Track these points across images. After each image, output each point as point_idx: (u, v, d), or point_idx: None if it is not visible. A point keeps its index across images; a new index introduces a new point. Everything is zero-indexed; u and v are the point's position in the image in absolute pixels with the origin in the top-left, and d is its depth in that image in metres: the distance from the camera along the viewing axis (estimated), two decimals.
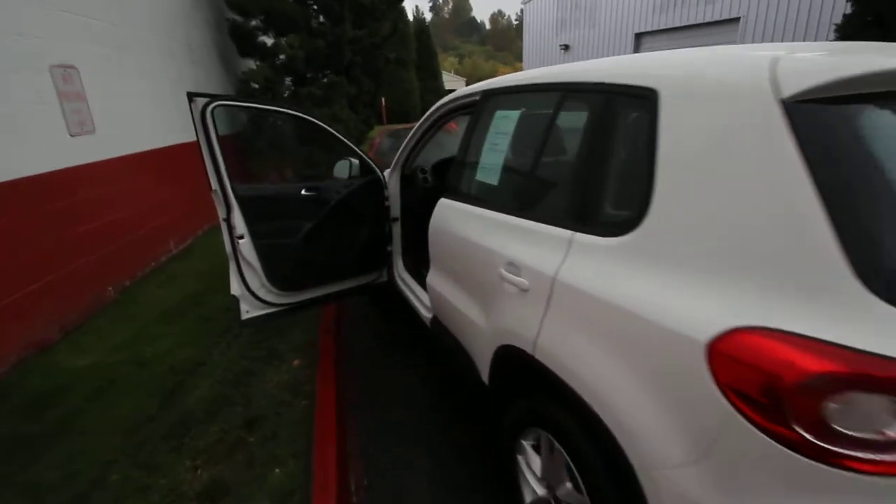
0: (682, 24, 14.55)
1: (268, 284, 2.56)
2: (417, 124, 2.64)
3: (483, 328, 1.68)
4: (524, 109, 1.67)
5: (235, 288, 2.51)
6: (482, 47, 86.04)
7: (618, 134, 1.24)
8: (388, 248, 3.02)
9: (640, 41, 16.13)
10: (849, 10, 7.34)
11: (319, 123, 2.58)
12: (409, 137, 2.74)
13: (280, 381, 2.55)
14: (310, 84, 6.41)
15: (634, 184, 1.14)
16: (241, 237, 2.39)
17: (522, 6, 21.09)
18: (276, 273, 2.57)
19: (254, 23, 6.31)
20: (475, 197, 1.85)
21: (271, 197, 2.55)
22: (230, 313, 3.15)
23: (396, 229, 3.02)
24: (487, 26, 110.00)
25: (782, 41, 12.13)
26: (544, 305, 1.30)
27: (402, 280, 3.01)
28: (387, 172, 2.91)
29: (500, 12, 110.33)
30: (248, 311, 2.59)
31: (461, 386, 2.48)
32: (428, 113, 2.52)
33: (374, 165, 2.84)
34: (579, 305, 1.18)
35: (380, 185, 2.87)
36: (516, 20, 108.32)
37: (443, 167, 3.17)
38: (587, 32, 17.95)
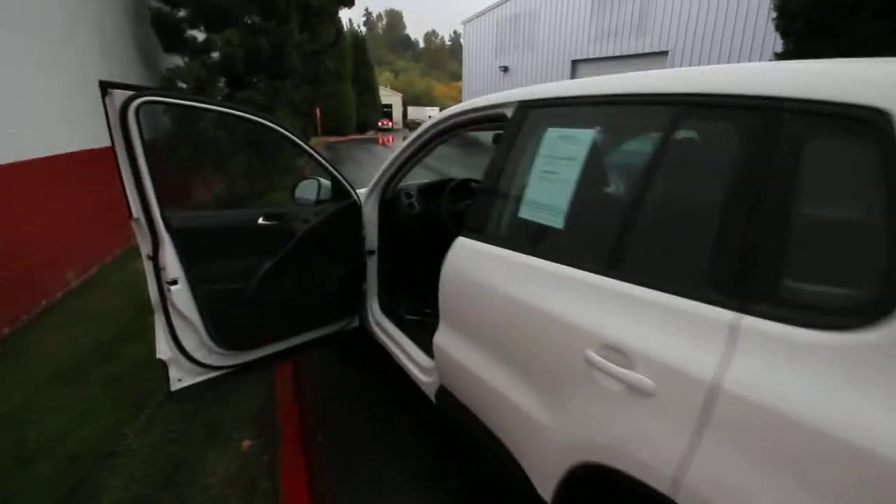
0: (616, 55, 15.28)
1: (210, 343, 1.92)
2: (406, 141, 2.15)
3: (546, 427, 1.21)
4: (601, 128, 1.25)
5: (164, 350, 1.85)
6: (417, 64, 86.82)
7: (809, 169, 0.84)
8: (363, 288, 2.48)
9: (576, 68, 16.74)
10: (779, 48, 7.88)
11: (288, 134, 2.01)
12: (393, 156, 2.24)
13: (226, 475, 1.90)
14: (248, 88, 5.65)
15: (866, 246, 0.75)
16: (174, 283, 1.75)
17: (462, 25, 21.25)
18: (223, 327, 1.94)
19: (181, 14, 5.48)
20: (522, 242, 1.39)
21: (217, 228, 1.92)
22: (153, 370, 2.43)
23: (372, 264, 2.48)
24: (421, 44, 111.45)
25: None
26: (694, 424, 0.86)
27: (379, 325, 2.47)
28: (361, 193, 2.38)
29: (434, 32, 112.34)
30: (182, 379, 1.93)
31: (495, 490, 1.89)
32: (424, 127, 2.04)
33: (350, 187, 2.30)
34: (788, 441, 0.75)
35: (357, 213, 2.33)
36: (450, 41, 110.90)
37: (431, 192, 2.68)
38: (526, 56, 18.38)
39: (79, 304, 3.49)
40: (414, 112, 44.69)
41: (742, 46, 11.88)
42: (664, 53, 13.95)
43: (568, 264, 1.19)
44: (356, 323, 2.54)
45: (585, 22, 15.93)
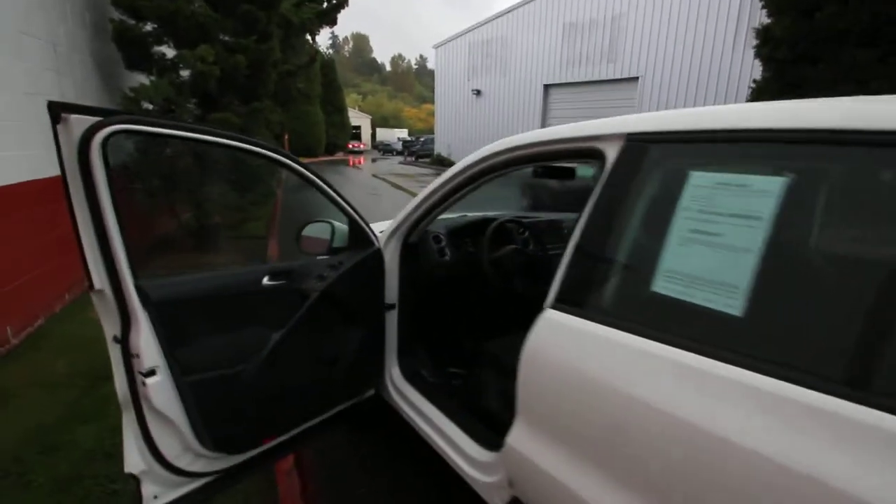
0: (588, 80, 15.52)
1: (196, 446, 1.45)
2: (443, 178, 1.78)
3: None
4: (798, 175, 0.90)
5: (134, 461, 1.36)
6: (383, 87, 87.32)
7: None
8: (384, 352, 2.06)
9: (548, 92, 16.92)
10: (755, 76, 8.02)
11: (302, 170, 1.60)
12: (424, 194, 1.85)
13: None
14: (223, 109, 5.15)
15: None
16: (151, 373, 1.29)
17: (434, 49, 21.30)
18: (215, 425, 1.47)
19: (148, 28, 4.96)
20: (661, 326, 1.01)
21: (209, 296, 1.46)
22: (115, 463, 1.91)
23: (391, 319, 2.07)
24: (388, 68, 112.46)
25: (675, 101, 13.33)
26: None
27: (401, 394, 2.04)
28: (379, 234, 1.98)
29: (400, 56, 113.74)
30: (158, 496, 1.44)
31: None
32: (469, 161, 1.67)
33: (370, 231, 1.90)
34: None
35: (380, 264, 1.92)
36: (416, 65, 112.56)
37: (464, 234, 2.30)
38: (499, 80, 18.49)
39: (17, 370, 2.87)
40: (383, 134, 44.58)
41: (710, 73, 12.23)
42: (635, 79, 14.25)
43: (763, 372, 0.82)
44: (371, 391, 2.11)
45: (557, 47, 16.18)
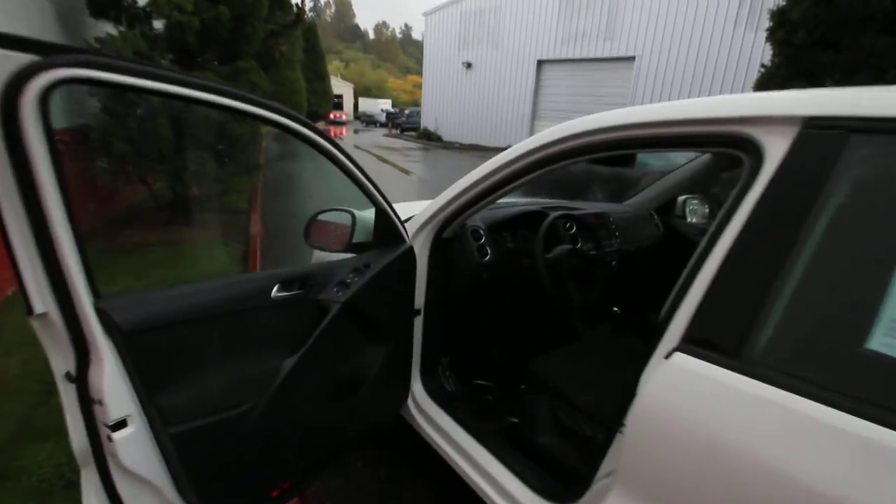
0: (583, 57, 15.08)
1: None
2: (494, 164, 1.42)
3: None
4: None
5: None
6: (367, 55, 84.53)
7: None
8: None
9: (541, 68, 16.42)
10: (757, 60, 7.76)
11: (321, 141, 1.22)
12: (468, 183, 1.50)
13: None
14: (202, 68, 4.59)
15: None
16: (122, 424, 0.93)
17: (424, 17, 20.40)
18: (208, 483, 1.12)
19: None
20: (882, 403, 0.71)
21: (201, 315, 1.08)
22: (73, 489, 1.56)
23: (416, 327, 1.73)
24: (371, 35, 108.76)
25: (672, 84, 13.05)
26: None
27: (425, 415, 1.74)
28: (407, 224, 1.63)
29: (384, 23, 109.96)
30: None
31: None
32: (535, 143, 1.32)
33: (401, 224, 1.54)
34: None
35: (412, 265, 1.57)
36: (400, 34, 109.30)
37: (508, 229, 1.95)
38: (490, 52, 17.86)
39: None
40: (366, 104, 43.27)
41: (711, 56, 11.94)
42: (631, 59, 13.89)
43: None
44: (396, 412, 1.79)
45: (552, 22, 15.62)
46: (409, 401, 1.79)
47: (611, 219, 2.11)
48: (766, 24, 6.74)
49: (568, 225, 1.93)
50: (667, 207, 2.43)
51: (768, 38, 6.70)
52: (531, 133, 16.88)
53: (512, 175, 1.42)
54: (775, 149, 0.90)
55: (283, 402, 1.22)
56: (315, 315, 1.29)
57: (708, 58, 12.09)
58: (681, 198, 2.41)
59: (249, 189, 6.35)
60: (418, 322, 1.74)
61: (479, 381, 2.07)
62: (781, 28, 6.39)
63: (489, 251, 1.76)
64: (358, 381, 1.46)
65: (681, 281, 1.04)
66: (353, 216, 1.54)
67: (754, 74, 7.25)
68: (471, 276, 1.74)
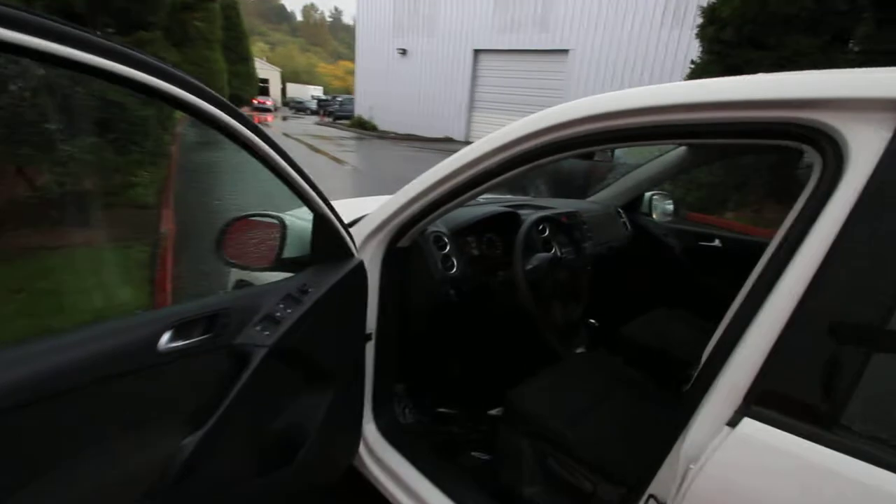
0: (519, 48, 15.10)
1: None
2: (463, 158, 1.12)
3: None
4: None
5: None
6: (294, 39, 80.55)
7: None
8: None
9: (478, 57, 16.27)
10: (689, 57, 8.03)
11: (240, 128, 0.85)
12: (430, 182, 1.18)
13: None
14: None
15: None
16: None
17: (356, 0, 19.53)
18: None
19: None
20: None
21: (44, 394, 0.67)
22: None
23: (367, 354, 1.41)
24: (299, 17, 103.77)
25: (605, 78, 13.39)
26: None
27: (378, 461, 1.44)
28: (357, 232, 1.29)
29: (313, 5, 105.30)
30: None
31: None
32: (519, 133, 1.03)
33: (347, 233, 1.20)
34: None
35: (363, 285, 1.24)
36: (330, 17, 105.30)
37: (475, 235, 1.64)
38: (425, 40, 17.45)
39: None
40: (295, 90, 41.21)
41: (639, 52, 12.31)
42: (565, 52, 14.08)
43: None
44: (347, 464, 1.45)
45: (488, 10, 15.48)
46: (361, 446, 1.46)
47: (583, 218, 1.89)
48: (697, 20, 6.95)
49: (541, 227, 1.67)
50: (633, 204, 2.26)
51: (698, 35, 6.91)
52: (469, 125, 16.71)
53: (486, 173, 1.12)
54: (865, 143, 0.67)
55: (186, 501, 0.85)
56: (230, 368, 0.92)
57: (639, 53, 12.48)
58: (648, 194, 2.24)
59: (159, 181, 5.58)
60: (369, 348, 1.41)
61: (441, 410, 1.78)
62: (712, 25, 6.59)
63: (455, 262, 1.46)
64: (295, 445, 1.11)
65: (731, 317, 0.79)
66: (283, 223, 1.17)
67: (686, 71, 7.48)
68: (434, 294, 1.43)
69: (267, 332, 0.96)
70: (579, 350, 1.69)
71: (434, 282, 1.40)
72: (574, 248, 1.72)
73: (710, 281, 2.02)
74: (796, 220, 0.73)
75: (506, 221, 1.71)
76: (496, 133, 1.07)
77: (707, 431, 0.73)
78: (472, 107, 16.85)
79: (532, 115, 1.03)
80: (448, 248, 1.46)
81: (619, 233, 2.11)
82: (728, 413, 0.72)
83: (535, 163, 1.06)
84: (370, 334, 1.39)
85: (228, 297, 0.94)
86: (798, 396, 0.65)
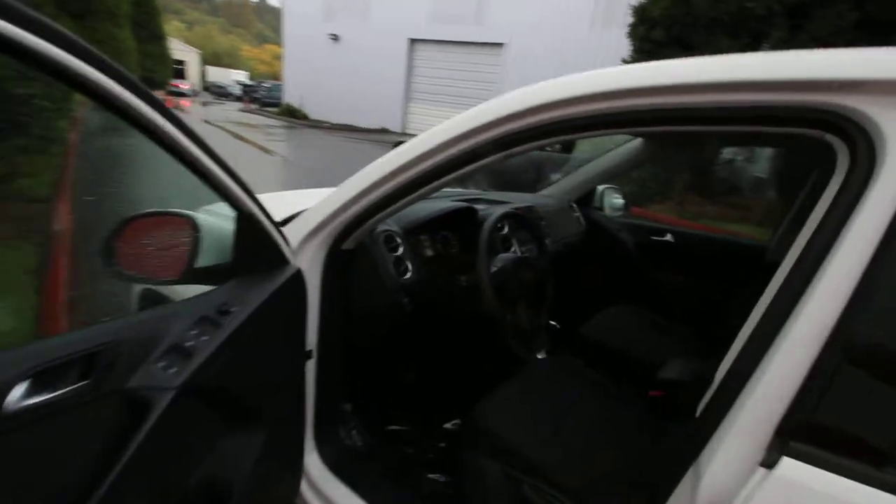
0: (455, 40, 14.98)
1: None
2: (417, 147, 0.95)
3: None
4: None
5: None
6: (215, 19, 75.28)
7: None
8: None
9: (414, 47, 15.97)
10: (626, 55, 8.28)
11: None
12: (381, 174, 1.00)
13: None
14: None
15: None
16: None
17: None
18: None
19: None
20: None
21: None
22: None
23: (307, 375, 1.20)
24: None
25: (537, 73, 13.60)
26: None
27: (324, 499, 1.25)
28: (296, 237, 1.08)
29: None
30: None
31: None
32: (481, 119, 0.88)
33: (281, 234, 0.98)
34: None
35: (301, 297, 1.03)
36: None
37: (425, 228, 1.46)
38: (359, 25, 16.85)
39: None
40: (217, 74, 38.53)
41: (570, 48, 12.62)
42: (500, 45, 14.16)
43: None
44: None
45: None
46: (303, 482, 1.26)
47: (539, 213, 1.78)
48: (628, 20, 7.17)
49: (499, 224, 1.53)
50: (585, 199, 2.19)
51: (629, 34, 7.12)
52: (405, 116, 16.42)
53: (448, 164, 0.96)
54: None
55: None
56: (122, 421, 0.69)
57: (571, 50, 12.78)
58: (600, 187, 2.18)
59: (53, 171, 4.86)
60: (310, 367, 1.20)
61: (393, 427, 1.60)
62: (642, 25, 6.82)
63: (409, 266, 1.28)
64: (219, 501, 0.88)
65: (748, 335, 0.68)
66: (195, 223, 0.93)
67: None
68: (386, 303, 1.24)
69: (174, 370, 0.73)
70: (541, 355, 1.58)
71: (386, 290, 1.21)
72: (536, 245, 1.60)
73: (664, 276, 2.00)
74: (821, 225, 0.63)
75: (461, 217, 1.55)
76: (459, 117, 0.91)
77: (734, 471, 0.61)
78: (408, 97, 16.55)
79: (499, 98, 0.88)
80: (401, 249, 1.27)
81: (573, 228, 2.02)
82: (758, 450, 0.61)
83: (505, 152, 0.91)
84: (310, 351, 1.18)
85: (116, 327, 0.70)
86: (850, 431, 0.55)
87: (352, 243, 1.16)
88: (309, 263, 1.10)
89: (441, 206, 1.50)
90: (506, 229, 1.53)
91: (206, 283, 0.92)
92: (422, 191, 1.01)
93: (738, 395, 0.65)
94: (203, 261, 0.93)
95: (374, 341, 1.34)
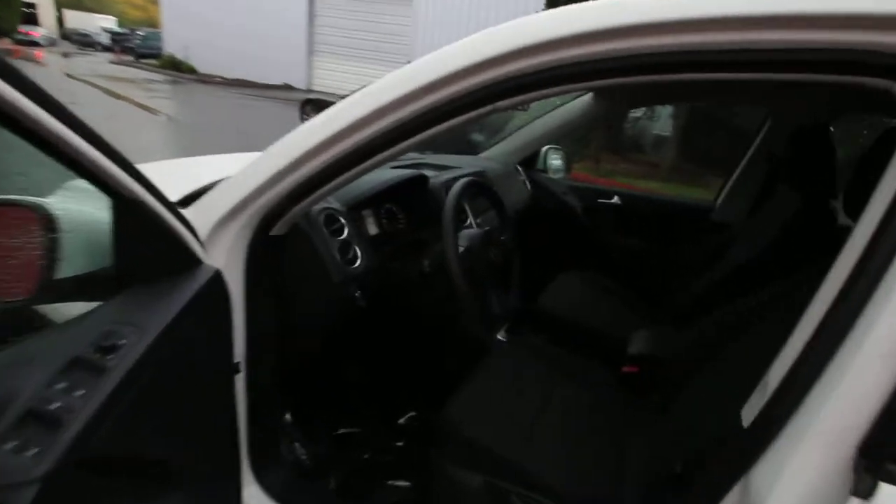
0: None
1: None
2: (367, 101, 0.73)
3: None
4: None
5: None
6: None
7: None
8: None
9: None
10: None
11: None
12: (321, 136, 0.76)
13: None
14: None
15: None
16: None
17: None
18: None
19: None
20: None
21: None
22: None
23: (236, 393, 0.95)
24: None
25: (451, 29, 13.17)
26: None
27: None
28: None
29: None
30: None
31: None
32: (459, 62, 0.67)
33: (185, 224, 0.71)
34: None
35: (220, 302, 0.77)
36: None
37: (370, 202, 1.21)
38: None
39: None
40: (77, 19, 32.87)
41: (490, 5, 12.24)
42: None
43: None
44: None
45: None
46: None
47: (491, 179, 1.61)
48: None
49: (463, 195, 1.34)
50: (529, 161, 2.05)
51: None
52: (310, 71, 15.32)
53: (413, 122, 0.74)
54: None
55: None
56: None
57: (489, 6, 12.38)
58: (544, 148, 2.05)
59: None
60: (239, 383, 0.95)
61: (343, 431, 1.40)
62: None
63: (359, 252, 1.04)
64: None
65: (810, 332, 0.57)
66: (49, 215, 0.63)
67: None
68: (333, 300, 1.00)
69: (33, 451, 0.47)
70: (500, 335, 1.45)
71: (331, 283, 0.98)
72: (497, 216, 1.43)
73: (615, 240, 1.96)
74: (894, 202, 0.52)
75: (407, 187, 1.33)
76: (420, 62, 0.70)
77: (817, 498, 0.50)
78: (312, 51, 15.26)
79: (479, 34, 0.68)
80: (346, 231, 1.03)
81: (521, 193, 1.89)
82: (839, 472, 0.50)
83: (483, 109, 0.71)
84: (237, 364, 0.93)
85: None
86: None
87: (283, 228, 0.91)
88: (227, 257, 0.84)
89: (388, 175, 1.26)
90: (464, 199, 1.34)
91: (78, 300, 0.64)
92: (379, 157, 0.78)
93: (799, 403, 0.55)
94: (69, 268, 0.64)
95: (318, 343, 1.11)
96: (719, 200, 1.88)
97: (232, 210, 0.82)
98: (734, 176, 1.83)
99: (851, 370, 0.50)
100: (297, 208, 0.86)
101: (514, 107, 0.72)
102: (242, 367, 0.94)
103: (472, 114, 0.71)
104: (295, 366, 1.16)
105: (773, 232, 1.33)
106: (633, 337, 1.37)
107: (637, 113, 7.04)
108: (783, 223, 1.31)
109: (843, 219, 1.18)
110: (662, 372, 1.19)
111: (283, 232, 0.92)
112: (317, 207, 0.99)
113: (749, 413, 0.61)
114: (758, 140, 1.72)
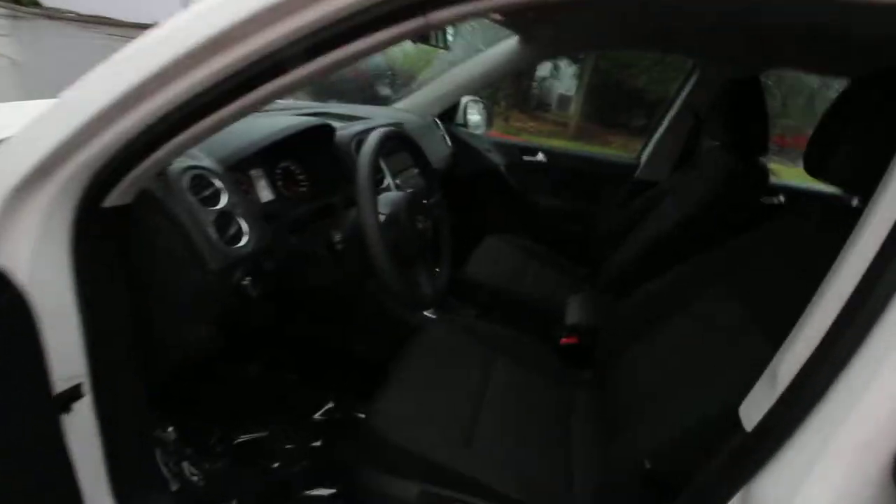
0: None
1: None
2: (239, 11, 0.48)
3: None
4: None
5: None
6: None
7: None
8: None
9: None
10: None
11: None
12: (169, 55, 0.50)
13: None
14: None
15: None
16: None
17: None
18: None
19: None
20: None
21: None
22: None
23: (79, 427, 0.69)
24: None
25: None
26: None
27: None
28: None
29: None
30: None
31: None
32: None
33: None
34: None
35: (20, 324, 0.50)
36: None
37: (253, 163, 0.93)
38: None
39: None
40: None
41: None
42: None
43: None
44: None
45: None
46: None
47: (409, 134, 1.39)
48: None
49: (356, 146, 1.12)
50: (448, 114, 1.85)
51: None
52: (186, 4, 13.87)
53: (301, 45, 0.51)
54: None
55: None
56: None
57: None
58: (464, 100, 1.85)
59: None
60: (83, 410, 0.70)
61: (243, 438, 1.17)
62: None
63: (244, 225, 0.79)
64: None
65: (826, 325, 0.47)
66: None
67: None
68: (211, 291, 0.75)
69: None
70: (429, 312, 1.29)
71: (207, 271, 0.72)
72: (422, 176, 1.23)
73: (541, 200, 1.85)
74: None
75: (310, 140, 1.08)
76: None
77: None
78: None
79: None
80: (224, 198, 0.77)
81: (442, 150, 1.69)
82: (870, 484, 0.41)
83: (429, 18, 0.50)
84: (79, 387, 0.67)
85: None
86: None
87: (123, 196, 0.64)
88: (33, 245, 0.57)
89: (283, 124, 0.99)
90: (380, 156, 1.12)
91: None
92: (253, 95, 0.54)
93: (813, 406, 0.45)
94: None
95: (198, 343, 0.86)
96: (643, 158, 1.84)
97: (30, 176, 0.55)
98: (658, 132, 1.79)
99: (888, 362, 0.40)
100: (141, 168, 0.60)
101: (453, 21, 0.52)
102: (88, 388, 0.69)
103: (394, 30, 0.49)
104: (171, 372, 0.91)
105: (702, 191, 1.30)
106: (569, 304, 1.28)
107: (544, 72, 7.09)
108: (712, 181, 1.28)
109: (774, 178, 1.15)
110: (602, 343, 1.11)
111: (124, 201, 0.65)
112: (178, 166, 0.71)
113: (751, 411, 0.51)
114: (683, 94, 1.68)
